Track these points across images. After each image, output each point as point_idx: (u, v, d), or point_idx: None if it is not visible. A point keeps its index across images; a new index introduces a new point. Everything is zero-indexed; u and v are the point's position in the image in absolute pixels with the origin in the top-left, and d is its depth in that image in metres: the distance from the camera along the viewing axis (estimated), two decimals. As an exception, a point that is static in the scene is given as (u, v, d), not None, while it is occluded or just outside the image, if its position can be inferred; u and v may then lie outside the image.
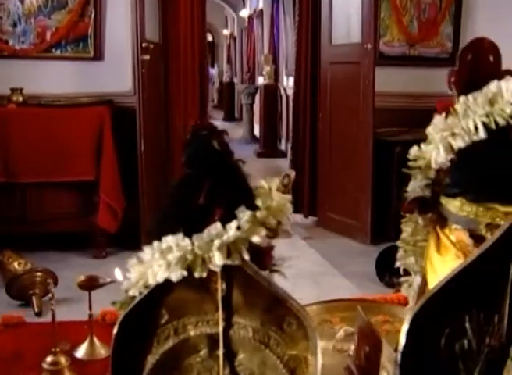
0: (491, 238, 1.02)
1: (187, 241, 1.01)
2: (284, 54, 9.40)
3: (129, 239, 4.55)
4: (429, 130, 1.12)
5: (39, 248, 4.48)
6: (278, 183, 1.17)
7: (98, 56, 4.77)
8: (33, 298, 3.55)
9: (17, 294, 3.61)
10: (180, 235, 1.03)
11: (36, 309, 3.51)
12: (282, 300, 1.07)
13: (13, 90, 4.47)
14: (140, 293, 1.07)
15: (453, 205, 1.10)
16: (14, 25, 4.64)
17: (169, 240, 1.03)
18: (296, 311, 1.07)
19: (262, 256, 1.18)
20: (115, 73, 4.75)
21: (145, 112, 4.43)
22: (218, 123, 15.51)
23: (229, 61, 16.72)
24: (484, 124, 1.04)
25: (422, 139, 1.18)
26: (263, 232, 1.02)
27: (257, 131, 11.06)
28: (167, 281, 1.04)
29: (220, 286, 1.06)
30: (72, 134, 4.29)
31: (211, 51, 19.42)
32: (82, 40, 4.72)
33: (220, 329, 1.08)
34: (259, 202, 1.05)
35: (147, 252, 1.04)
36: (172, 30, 4.98)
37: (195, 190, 1.04)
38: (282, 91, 9.56)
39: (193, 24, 5.08)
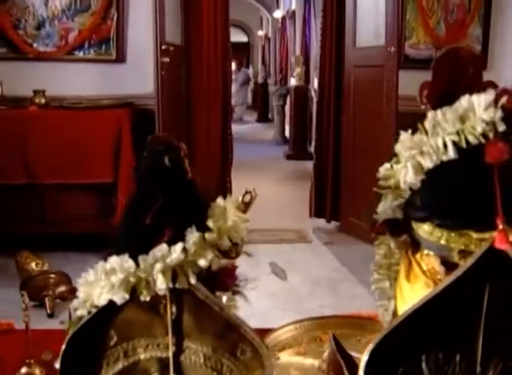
0: (461, 267, 0.94)
1: (131, 262, 0.97)
2: (314, 55, 9.31)
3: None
4: (397, 147, 1.04)
5: (58, 249, 4.52)
6: (238, 201, 1.11)
7: (120, 58, 4.78)
8: (46, 300, 3.57)
9: (31, 295, 3.61)
10: (125, 256, 0.99)
11: (48, 311, 3.53)
12: (235, 326, 1.01)
13: (36, 92, 4.52)
14: (89, 312, 1.03)
15: (423, 230, 1.02)
16: (38, 28, 4.69)
17: (113, 261, 0.98)
18: (250, 338, 1.01)
19: (223, 277, 1.12)
20: (136, 76, 4.76)
21: (165, 114, 4.42)
22: (252, 124, 15.51)
23: (263, 62, 16.69)
24: (454, 143, 0.96)
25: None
26: (210, 255, 0.96)
27: (288, 133, 10.99)
28: (115, 302, 1.00)
29: (169, 309, 1.01)
30: (91, 137, 4.31)
31: (247, 52, 19.45)
32: (104, 42, 4.75)
33: (170, 353, 1.03)
34: (210, 223, 0.99)
35: (91, 273, 1.00)
36: (195, 33, 4.97)
37: (143, 209, 1.00)
38: (313, 93, 9.46)
39: (216, 26, 5.05)
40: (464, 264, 0.94)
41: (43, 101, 4.53)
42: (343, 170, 5.23)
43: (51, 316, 3.53)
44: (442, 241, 0.99)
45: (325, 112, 5.39)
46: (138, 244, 1.00)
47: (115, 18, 4.69)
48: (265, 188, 7.49)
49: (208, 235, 0.98)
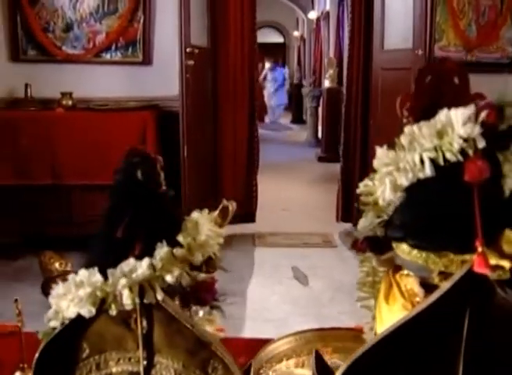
0: (438, 291, 0.90)
1: (98, 276, 0.96)
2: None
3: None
4: (374, 163, 1.00)
5: (83, 249, 4.55)
6: (215, 215, 1.09)
7: (147, 61, 4.81)
8: (68, 300, 3.61)
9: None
10: (94, 270, 0.97)
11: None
12: (206, 343, 0.99)
13: (63, 94, 4.58)
14: (62, 324, 1.03)
15: (401, 250, 0.98)
16: (67, 30, 4.75)
17: (82, 274, 0.97)
18: (221, 356, 0.99)
19: (201, 292, 1.10)
20: (163, 78, 4.77)
21: (189, 116, 4.43)
22: (286, 125, 15.44)
23: (299, 63, 16.61)
24: (431, 159, 0.91)
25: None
26: (176, 271, 0.94)
27: (320, 135, 10.92)
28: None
29: (140, 323, 0.99)
30: (116, 138, 4.33)
31: (283, 52, 19.40)
32: (131, 45, 4.78)
33: (141, 368, 1.02)
34: (180, 238, 0.97)
35: (60, 285, 0.99)
36: (222, 35, 4.96)
37: (114, 222, 0.98)
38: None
39: (243, 28, 5.03)
40: (442, 288, 0.89)
41: (70, 103, 4.59)
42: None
43: (71, 316, 3.56)
44: (421, 262, 0.94)
45: (353, 114, 5.32)
46: (108, 257, 0.98)
47: (141, 21, 4.72)
48: (294, 191, 7.46)
49: (176, 251, 0.96)
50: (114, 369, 1.04)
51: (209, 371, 1.01)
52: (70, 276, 0.99)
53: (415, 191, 0.92)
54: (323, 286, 4.22)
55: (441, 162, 0.89)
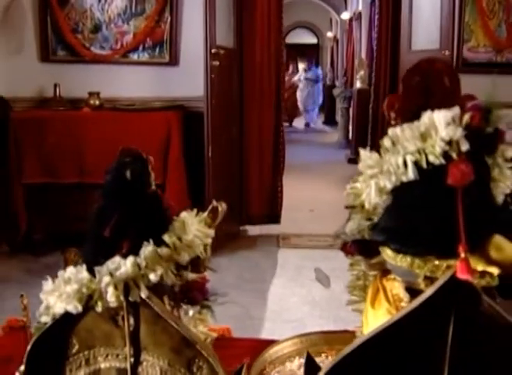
0: (421, 297, 0.89)
1: (85, 273, 0.97)
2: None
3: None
4: (359, 165, 0.99)
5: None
6: (205, 215, 1.09)
7: (174, 61, 4.85)
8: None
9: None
10: (82, 267, 0.99)
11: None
12: (191, 342, 0.99)
13: (91, 94, 4.65)
14: (53, 319, 1.04)
15: (387, 254, 0.96)
16: (95, 31, 4.82)
17: (69, 271, 0.99)
18: (206, 355, 0.99)
19: (192, 291, 1.11)
20: (189, 78, 4.80)
21: (214, 117, 4.44)
22: (318, 127, 15.36)
23: (332, 64, 16.53)
24: (415, 162, 0.89)
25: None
26: (160, 270, 0.95)
27: (351, 136, 10.84)
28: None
29: (127, 321, 1.00)
30: (141, 138, 4.37)
31: (316, 53, 19.32)
32: (158, 45, 4.82)
33: (128, 365, 1.03)
34: (166, 238, 0.98)
35: (50, 281, 1.01)
36: (248, 36, 4.96)
37: (103, 221, 0.99)
38: (377, 96, 9.29)
39: (269, 29, 5.02)
40: (424, 293, 0.88)
41: (97, 102, 4.65)
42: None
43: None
44: (406, 266, 0.92)
45: (380, 116, 5.27)
46: (97, 255, 1.00)
47: (168, 21, 4.76)
48: (322, 192, 7.42)
49: (161, 250, 0.96)
50: (102, 365, 1.05)
51: (194, 370, 1.01)
52: (59, 273, 1.01)
53: (399, 194, 0.91)
54: (344, 288, 4.18)
55: (424, 165, 0.88)
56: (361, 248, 1.04)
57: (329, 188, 7.74)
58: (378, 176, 0.93)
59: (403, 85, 1.06)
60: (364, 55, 10.08)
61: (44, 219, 4.59)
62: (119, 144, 4.12)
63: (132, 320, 1.01)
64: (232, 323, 3.54)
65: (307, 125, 15.10)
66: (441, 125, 0.87)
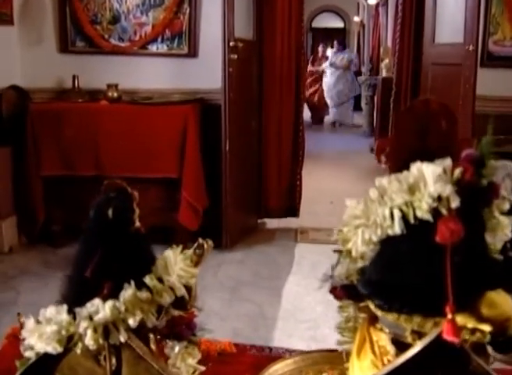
0: (407, 353, 0.85)
1: (64, 315, 0.95)
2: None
3: (212, 236, 4.59)
4: (344, 216, 0.94)
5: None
6: (190, 252, 1.06)
7: (192, 53, 4.80)
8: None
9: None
10: (63, 307, 0.97)
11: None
12: (172, 384, 0.97)
13: (109, 86, 4.63)
14: (37, 354, 1.03)
15: (372, 305, 0.92)
16: (114, 22, 4.79)
17: (50, 311, 0.97)
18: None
19: (179, 327, 1.08)
20: (208, 70, 4.75)
21: (232, 111, 4.40)
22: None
23: (358, 50, 16.29)
24: (402, 216, 0.84)
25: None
26: (139, 316, 0.92)
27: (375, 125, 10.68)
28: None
29: (109, 361, 0.98)
30: (158, 132, 4.37)
31: (342, 38, 19.06)
32: (177, 37, 4.78)
33: (110, 406, 1.01)
34: (147, 280, 0.95)
35: (31, 320, 0.99)
36: (268, 27, 4.89)
37: (84, 261, 0.97)
38: (402, 85, 9.12)
39: (290, 21, 4.94)
40: (411, 350, 0.84)
41: (115, 94, 4.63)
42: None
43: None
44: (391, 318, 0.88)
45: (402, 107, 5.17)
46: (78, 296, 0.97)
47: (187, 13, 4.71)
48: (342, 183, 7.34)
49: (141, 294, 0.94)
50: (85, 404, 1.04)
51: (176, 413, 0.99)
52: (41, 311, 0.99)
53: (385, 247, 0.86)
54: (361, 287, 4.13)
55: (411, 219, 0.83)
56: (350, 292, 1.00)
57: (350, 179, 7.66)
58: (364, 227, 0.89)
59: (396, 127, 1.04)
60: (389, 43, 9.90)
61: (61, 212, 4.61)
62: (135, 138, 4.12)
63: (114, 360, 0.98)
64: (246, 321, 3.56)
65: (333, 124, 12.85)
66: (430, 179, 0.81)
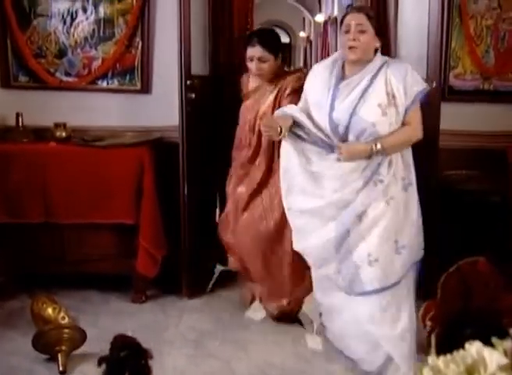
0: None
1: None
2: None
3: (171, 283, 4.35)
4: None
5: (78, 288, 4.36)
6: None
7: (146, 89, 4.55)
8: (59, 356, 3.39)
9: (43, 349, 3.47)
10: None
11: (60, 368, 3.35)
12: None
13: (57, 125, 4.33)
14: None
15: None
16: (60, 56, 4.50)
17: None
18: None
19: None
20: (163, 107, 4.52)
21: (190, 151, 4.17)
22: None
23: (305, 64, 16.33)
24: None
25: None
26: None
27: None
28: None
29: None
30: (112, 176, 4.10)
31: (288, 52, 19.07)
32: (129, 72, 4.52)
33: None
34: None
35: None
36: (224, 61, 4.69)
37: None
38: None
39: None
40: None
41: (64, 134, 4.33)
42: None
43: (63, 373, 3.34)
44: None
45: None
46: None
47: (139, 46, 4.46)
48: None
49: None
50: None
51: None
52: None
53: None
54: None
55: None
56: None
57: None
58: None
59: (441, 289, 0.86)
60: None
61: (7, 261, 4.28)
62: (87, 182, 3.80)
63: None
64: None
65: None
66: (492, 367, 0.66)
